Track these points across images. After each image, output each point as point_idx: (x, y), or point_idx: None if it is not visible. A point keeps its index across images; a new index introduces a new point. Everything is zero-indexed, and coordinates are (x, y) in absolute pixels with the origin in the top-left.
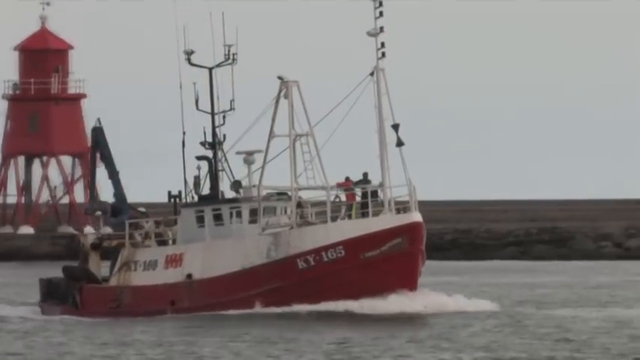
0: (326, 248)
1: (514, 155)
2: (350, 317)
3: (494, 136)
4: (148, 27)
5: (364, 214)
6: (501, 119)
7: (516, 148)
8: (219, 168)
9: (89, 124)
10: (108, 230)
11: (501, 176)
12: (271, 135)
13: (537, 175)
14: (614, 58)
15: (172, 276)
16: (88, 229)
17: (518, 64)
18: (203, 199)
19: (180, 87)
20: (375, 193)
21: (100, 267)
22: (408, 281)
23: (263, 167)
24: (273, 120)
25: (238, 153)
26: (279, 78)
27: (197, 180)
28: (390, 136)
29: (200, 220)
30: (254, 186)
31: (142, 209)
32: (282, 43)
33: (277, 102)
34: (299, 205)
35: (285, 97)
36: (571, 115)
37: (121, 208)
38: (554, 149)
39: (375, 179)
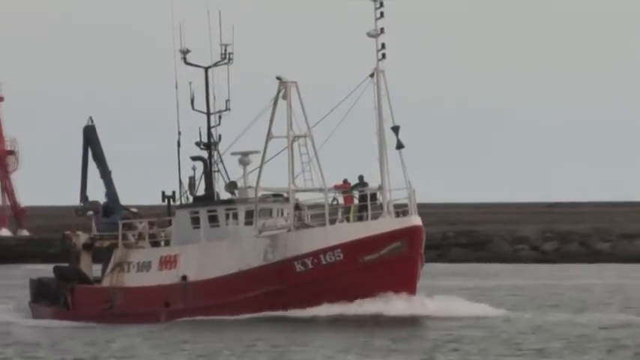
0: (324, 251)
1: (433, 159)
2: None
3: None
4: (144, 25)
5: (362, 217)
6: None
7: (434, 152)
8: (215, 169)
9: (6, 127)
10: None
11: (421, 179)
12: (269, 136)
13: (456, 179)
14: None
15: (167, 277)
16: (4, 232)
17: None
18: (198, 200)
19: (176, 86)
20: (373, 196)
21: (91, 267)
22: (407, 285)
23: (260, 168)
24: (271, 121)
25: (234, 154)
26: (278, 78)
27: (192, 181)
28: (390, 139)
29: (195, 221)
30: (249, 187)
31: (134, 209)
32: (280, 43)
33: (275, 102)
34: (297, 207)
35: (284, 97)
36: (488, 119)
37: (112, 208)
38: (471, 153)
39: (373, 182)
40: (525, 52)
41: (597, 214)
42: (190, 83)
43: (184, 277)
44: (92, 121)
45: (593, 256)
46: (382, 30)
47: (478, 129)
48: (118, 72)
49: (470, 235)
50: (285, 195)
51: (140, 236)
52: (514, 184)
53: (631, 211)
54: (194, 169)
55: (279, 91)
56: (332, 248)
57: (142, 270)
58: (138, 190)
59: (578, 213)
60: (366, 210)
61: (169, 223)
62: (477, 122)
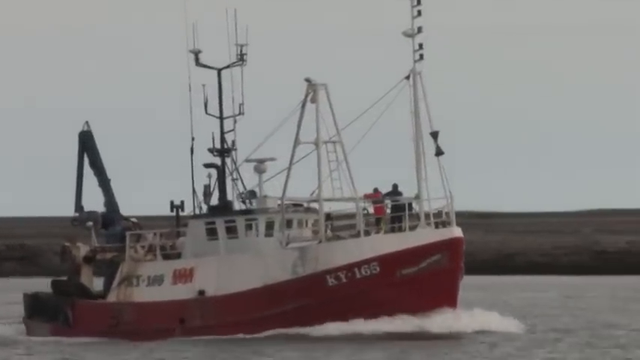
0: (359, 264)
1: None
2: None
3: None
4: (156, 24)
5: (395, 229)
6: None
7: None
8: (234, 177)
9: None
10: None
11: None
12: (297, 142)
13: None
14: None
15: (182, 292)
16: None
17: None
18: (214, 210)
19: (190, 89)
20: (409, 207)
21: (92, 281)
22: (448, 300)
23: (287, 176)
24: (299, 126)
25: (248, 161)
26: (307, 80)
27: (207, 189)
28: (428, 145)
29: (211, 232)
30: (268, 196)
31: (134, 219)
32: (309, 43)
33: (303, 106)
34: (328, 217)
35: (312, 100)
36: (532, 125)
37: (112, 218)
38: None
39: (409, 191)
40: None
41: None
42: (204, 86)
43: (202, 292)
44: (88, 126)
45: None
46: (419, 29)
47: (520, 134)
48: (125, 73)
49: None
50: (306, 205)
51: (150, 248)
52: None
53: None
54: (210, 177)
55: (307, 94)
56: (367, 261)
57: (153, 284)
58: (140, 200)
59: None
60: (400, 221)
61: (177, 234)
62: (520, 127)
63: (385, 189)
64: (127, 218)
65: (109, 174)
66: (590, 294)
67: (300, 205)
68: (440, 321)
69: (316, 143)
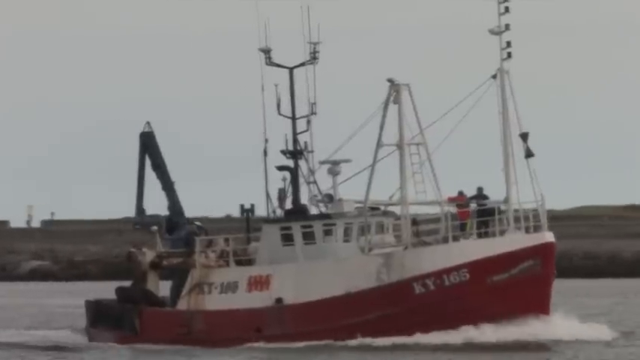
0: (448, 271)
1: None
2: None
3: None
4: (229, 23)
5: (482, 234)
6: None
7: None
8: (310, 180)
9: None
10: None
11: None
12: (379, 144)
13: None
14: None
15: (257, 300)
16: None
17: None
18: (290, 214)
19: (262, 89)
20: (497, 211)
21: (158, 288)
22: (542, 308)
23: (370, 180)
24: (382, 127)
25: (322, 163)
26: (389, 80)
27: (282, 193)
28: (517, 146)
29: (287, 237)
30: (341, 199)
31: (198, 223)
32: (385, 41)
33: (386, 107)
34: (414, 222)
35: (395, 101)
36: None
37: (176, 223)
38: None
39: (496, 194)
40: None
41: None
42: (276, 86)
43: (279, 300)
44: (150, 127)
45: None
46: (507, 26)
47: (614, 135)
48: (196, 73)
49: None
50: (383, 208)
51: (221, 254)
52: None
53: None
54: (284, 179)
55: (389, 95)
56: (457, 268)
57: (226, 291)
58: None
59: None
60: (486, 226)
61: (248, 239)
62: (613, 128)
63: (469, 192)
64: (191, 222)
65: (175, 176)
66: None
67: (377, 209)
68: (533, 329)
69: (399, 145)
